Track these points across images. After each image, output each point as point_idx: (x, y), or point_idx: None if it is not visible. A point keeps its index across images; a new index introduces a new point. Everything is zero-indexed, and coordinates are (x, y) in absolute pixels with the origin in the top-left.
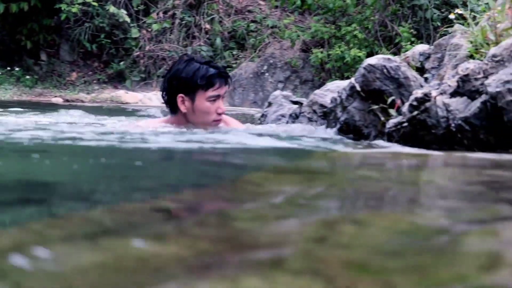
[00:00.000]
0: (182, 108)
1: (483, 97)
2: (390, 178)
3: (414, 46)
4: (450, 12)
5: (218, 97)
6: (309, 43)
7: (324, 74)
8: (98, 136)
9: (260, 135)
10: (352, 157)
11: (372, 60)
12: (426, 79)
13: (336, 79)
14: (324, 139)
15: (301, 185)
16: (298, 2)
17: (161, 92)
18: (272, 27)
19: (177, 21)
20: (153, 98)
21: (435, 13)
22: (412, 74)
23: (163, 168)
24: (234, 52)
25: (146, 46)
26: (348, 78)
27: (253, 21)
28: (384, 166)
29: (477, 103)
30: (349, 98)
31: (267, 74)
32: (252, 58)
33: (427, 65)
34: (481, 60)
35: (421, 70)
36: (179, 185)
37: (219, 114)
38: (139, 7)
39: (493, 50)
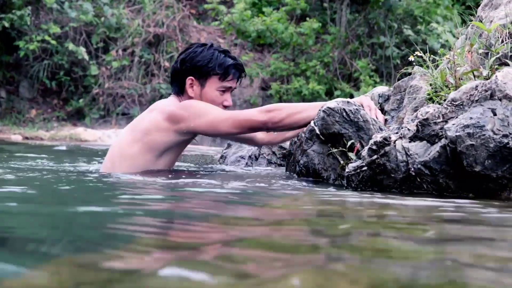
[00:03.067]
0: (190, 91)
1: (443, 141)
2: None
3: (373, 79)
4: (409, 50)
5: (229, 89)
6: (268, 81)
7: None
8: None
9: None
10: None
11: (332, 104)
12: (386, 121)
13: None
14: (282, 185)
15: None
16: (254, 34)
17: (171, 71)
18: None
19: (136, 58)
20: (112, 135)
21: (394, 51)
22: (371, 117)
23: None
24: None
25: (105, 84)
26: None
27: None
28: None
29: (436, 147)
30: (308, 141)
31: None
32: None
33: (387, 107)
34: (441, 104)
35: (380, 112)
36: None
37: (225, 106)
38: (98, 45)
39: (452, 94)
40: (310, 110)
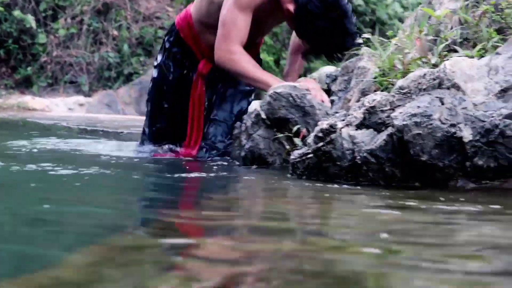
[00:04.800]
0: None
1: (390, 130)
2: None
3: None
4: (358, 20)
5: None
6: None
7: None
8: None
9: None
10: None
11: (278, 88)
12: (332, 102)
13: None
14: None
15: None
16: None
17: None
18: None
19: (84, 27)
20: (60, 104)
21: None
22: (318, 102)
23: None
24: (142, 59)
25: (54, 52)
26: None
27: (161, 28)
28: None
29: (383, 136)
30: (254, 125)
31: None
32: None
33: (334, 88)
34: (388, 89)
35: (328, 92)
36: None
37: None
38: (46, 13)
39: (400, 82)
40: (258, 84)
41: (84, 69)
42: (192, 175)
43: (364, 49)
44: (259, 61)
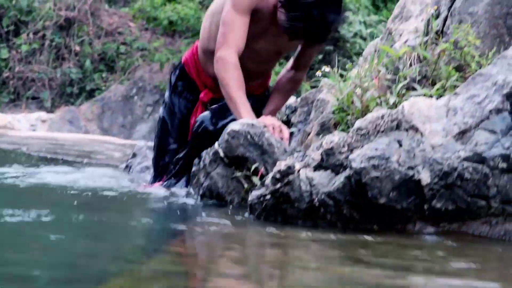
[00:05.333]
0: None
1: (347, 172)
2: None
3: (283, 66)
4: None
5: None
6: None
7: None
8: None
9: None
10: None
11: (236, 126)
12: (292, 134)
13: None
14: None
15: None
16: (165, 22)
17: None
18: (142, 50)
19: (47, 42)
20: (23, 120)
21: None
22: (276, 139)
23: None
24: (104, 75)
25: (16, 67)
26: None
27: (123, 43)
28: None
29: (341, 178)
30: (212, 163)
31: (136, 97)
32: (121, 81)
33: (294, 119)
34: (347, 127)
35: (287, 123)
36: None
37: None
38: (9, 28)
39: (358, 122)
40: (232, 106)
41: (46, 84)
42: (146, 213)
43: (323, 81)
44: (265, 98)
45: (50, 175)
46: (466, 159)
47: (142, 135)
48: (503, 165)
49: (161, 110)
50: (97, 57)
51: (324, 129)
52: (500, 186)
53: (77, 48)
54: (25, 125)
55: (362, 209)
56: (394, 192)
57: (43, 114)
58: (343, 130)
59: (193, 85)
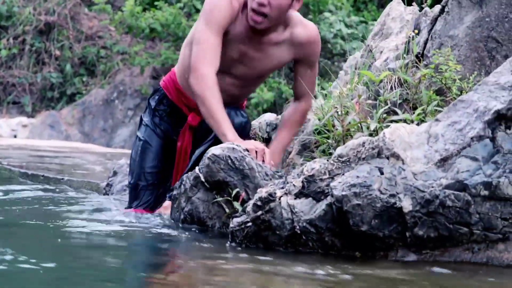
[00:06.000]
0: None
1: (329, 199)
2: None
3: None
4: None
5: None
6: (160, 70)
7: None
8: None
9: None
10: None
11: (217, 151)
12: None
13: None
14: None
15: None
16: (147, 31)
17: None
18: (122, 54)
19: (27, 47)
20: (4, 125)
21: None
22: (257, 163)
23: None
24: (84, 79)
25: None
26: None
27: (103, 47)
28: None
29: (322, 205)
30: (193, 188)
31: (117, 101)
32: (102, 85)
33: (274, 136)
34: (328, 146)
35: (268, 141)
36: None
37: (259, 4)
38: None
39: (339, 150)
40: (212, 123)
41: (27, 89)
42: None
43: None
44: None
45: (31, 200)
46: (448, 186)
47: (123, 139)
48: (485, 192)
49: (139, 133)
50: (77, 61)
51: (305, 148)
52: (482, 213)
53: (57, 52)
54: (6, 130)
55: (343, 237)
56: (376, 220)
57: (24, 119)
58: (323, 151)
59: (174, 109)
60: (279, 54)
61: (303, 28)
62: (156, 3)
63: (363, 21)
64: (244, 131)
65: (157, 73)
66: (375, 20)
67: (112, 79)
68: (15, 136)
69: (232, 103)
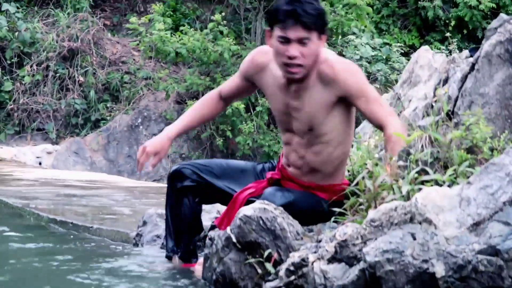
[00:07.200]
0: (269, 44)
1: (362, 265)
2: None
3: None
4: None
5: (287, 40)
6: (184, 95)
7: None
8: None
9: None
10: None
11: (248, 211)
12: None
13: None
14: None
15: None
16: (173, 55)
17: None
18: (146, 79)
19: (50, 73)
20: (28, 153)
21: None
22: (289, 222)
23: None
24: (108, 105)
25: (20, 99)
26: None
27: (127, 73)
28: None
29: (355, 271)
30: (225, 248)
31: (141, 127)
32: (126, 111)
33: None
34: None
35: None
36: None
37: (289, 58)
38: (12, 60)
39: (371, 214)
40: None
41: (51, 116)
42: None
43: None
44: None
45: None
46: (480, 252)
47: (147, 165)
48: None
49: None
50: (101, 87)
51: None
52: None
53: (81, 78)
54: (31, 158)
55: None
56: (409, 285)
57: (48, 146)
58: (355, 211)
59: None
60: (316, 97)
61: (327, 64)
62: (181, 28)
63: (386, 42)
64: (290, 212)
65: (181, 98)
66: (399, 42)
67: (136, 105)
68: (40, 164)
69: (311, 172)
